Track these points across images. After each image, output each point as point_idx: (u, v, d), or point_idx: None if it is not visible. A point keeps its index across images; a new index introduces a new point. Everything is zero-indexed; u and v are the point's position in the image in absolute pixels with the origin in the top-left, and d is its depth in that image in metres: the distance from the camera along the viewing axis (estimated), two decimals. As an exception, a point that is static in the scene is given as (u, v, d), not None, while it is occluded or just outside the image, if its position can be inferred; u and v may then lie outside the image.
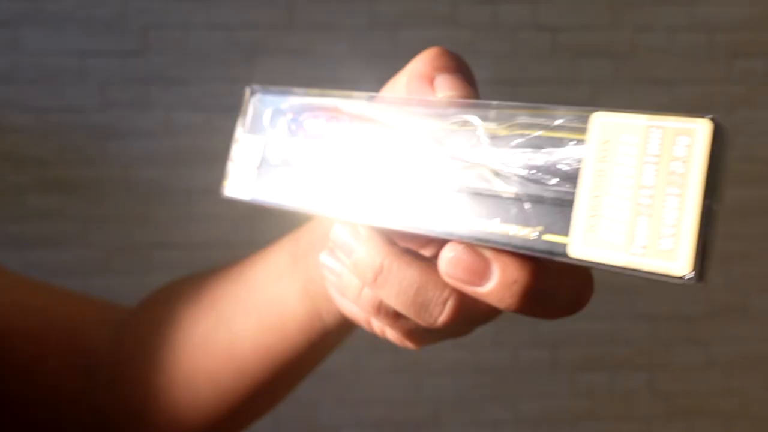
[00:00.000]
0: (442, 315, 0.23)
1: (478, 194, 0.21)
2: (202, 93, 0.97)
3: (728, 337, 1.02)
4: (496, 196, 0.20)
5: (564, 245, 0.19)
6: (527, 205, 0.20)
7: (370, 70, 0.90)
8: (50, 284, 0.34)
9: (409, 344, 0.26)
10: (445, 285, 0.22)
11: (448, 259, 0.20)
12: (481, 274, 0.21)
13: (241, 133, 0.26)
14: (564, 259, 0.19)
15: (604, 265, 0.18)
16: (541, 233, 0.19)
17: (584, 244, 0.19)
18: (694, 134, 0.17)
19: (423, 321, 0.22)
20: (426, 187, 0.22)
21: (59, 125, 0.94)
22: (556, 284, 0.21)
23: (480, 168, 0.20)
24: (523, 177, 0.20)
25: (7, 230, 0.90)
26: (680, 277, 0.18)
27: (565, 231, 0.19)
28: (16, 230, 0.90)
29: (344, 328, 0.31)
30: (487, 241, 0.20)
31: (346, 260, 0.23)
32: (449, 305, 0.22)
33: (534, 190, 0.19)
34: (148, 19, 0.97)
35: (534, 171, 0.20)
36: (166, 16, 0.98)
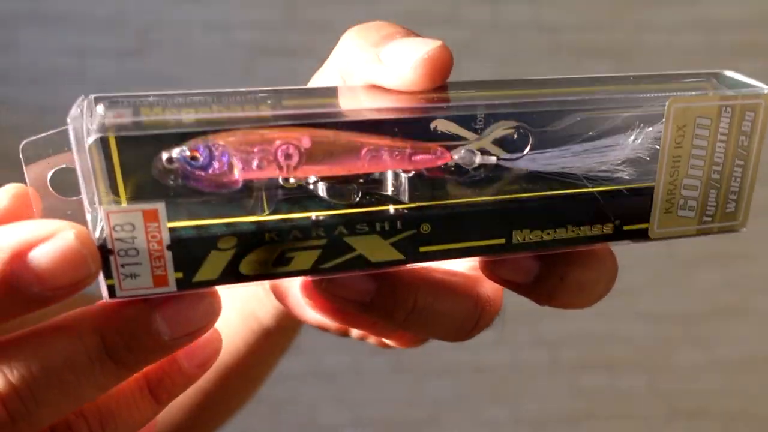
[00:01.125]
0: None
1: (550, 202, 0.20)
2: (202, 93, 0.97)
3: (728, 337, 1.02)
4: (566, 202, 0.20)
5: (644, 230, 0.20)
6: (601, 202, 0.20)
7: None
8: None
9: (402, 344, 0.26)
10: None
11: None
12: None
13: (107, 207, 0.17)
14: (644, 241, 0.20)
15: (676, 237, 0.20)
16: (620, 225, 0.20)
17: (661, 225, 0.20)
18: (758, 108, 0.19)
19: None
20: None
21: (59, 125, 0.94)
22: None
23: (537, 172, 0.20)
24: (592, 175, 0.20)
25: (7, 230, 0.90)
26: (737, 231, 0.20)
27: (643, 219, 0.20)
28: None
29: (288, 328, 0.31)
30: (570, 245, 0.20)
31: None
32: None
33: (606, 185, 0.20)
34: (147, 19, 0.97)
35: (605, 166, 0.20)
36: (166, 16, 0.98)
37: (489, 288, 0.23)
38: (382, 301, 0.21)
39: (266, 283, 0.26)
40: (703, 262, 1.00)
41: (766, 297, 1.03)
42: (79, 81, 0.94)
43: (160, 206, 0.18)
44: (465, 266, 0.25)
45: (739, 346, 1.03)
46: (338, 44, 0.22)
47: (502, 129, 0.20)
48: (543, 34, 0.99)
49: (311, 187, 0.19)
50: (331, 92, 0.21)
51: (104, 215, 0.17)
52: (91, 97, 0.19)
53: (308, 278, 0.21)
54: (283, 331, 0.31)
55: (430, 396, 1.02)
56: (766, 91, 0.20)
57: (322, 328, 0.27)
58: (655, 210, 0.20)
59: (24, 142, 0.20)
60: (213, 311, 0.19)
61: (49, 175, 0.20)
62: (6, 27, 0.95)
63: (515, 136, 0.20)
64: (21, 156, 0.20)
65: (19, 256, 0.17)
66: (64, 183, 0.19)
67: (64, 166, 0.19)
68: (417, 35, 0.21)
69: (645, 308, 1.01)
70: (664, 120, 0.19)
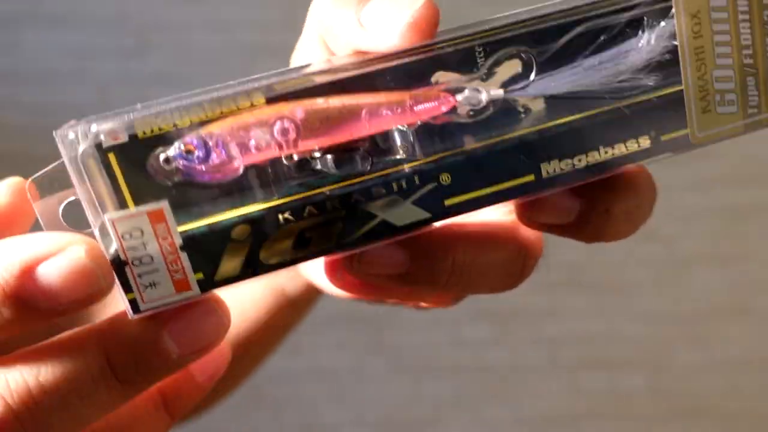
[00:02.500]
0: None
1: (573, 126, 0.19)
2: (202, 93, 0.97)
3: (728, 337, 1.02)
4: (591, 123, 0.19)
5: (685, 136, 0.18)
6: (630, 115, 0.18)
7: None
8: None
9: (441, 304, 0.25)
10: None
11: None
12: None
13: (110, 215, 0.17)
14: (688, 149, 0.18)
15: (725, 137, 0.18)
16: (657, 136, 0.18)
17: (703, 127, 0.18)
18: None
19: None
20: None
21: (59, 125, 0.94)
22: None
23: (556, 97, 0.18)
24: (612, 88, 0.18)
25: (7, 230, 0.89)
26: None
27: (681, 125, 0.18)
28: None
29: (311, 299, 0.30)
30: (607, 169, 0.19)
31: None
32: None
33: (630, 97, 0.18)
34: (147, 19, 0.97)
35: (623, 76, 0.18)
36: (166, 16, 0.98)
37: (528, 231, 0.22)
38: (419, 267, 0.21)
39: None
40: (703, 262, 1.00)
41: (766, 297, 1.03)
42: (79, 81, 0.94)
43: (164, 205, 0.17)
44: (499, 215, 0.23)
45: (739, 346, 1.03)
46: (312, 4, 0.21)
47: (504, 60, 0.19)
48: (543, 34, 0.99)
49: (318, 164, 0.18)
50: (319, 66, 0.20)
51: (110, 225, 0.17)
52: (82, 121, 0.18)
53: (334, 259, 0.21)
54: (305, 303, 0.31)
55: (430, 396, 1.02)
56: None
57: (358, 298, 0.27)
58: (690, 111, 0.18)
59: (29, 180, 0.19)
60: (222, 324, 0.19)
61: (60, 209, 0.19)
62: (7, 27, 0.94)
63: (519, 69, 0.19)
64: (28, 194, 0.19)
65: (28, 272, 0.17)
66: (77, 215, 0.19)
67: (73, 198, 0.19)
68: None
69: (645, 308, 1.01)
70: (674, 10, 0.18)
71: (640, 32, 0.18)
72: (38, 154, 0.93)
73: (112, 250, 0.18)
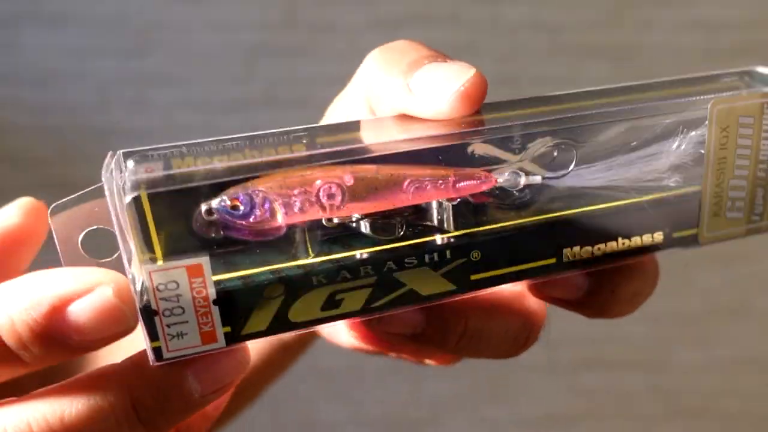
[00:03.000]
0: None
1: (597, 216, 0.20)
2: (202, 93, 0.97)
3: (728, 337, 1.02)
4: (614, 215, 0.20)
5: (694, 236, 0.20)
6: (649, 211, 0.20)
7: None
8: None
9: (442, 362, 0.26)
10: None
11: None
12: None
13: (148, 266, 0.17)
14: (694, 247, 0.19)
15: (727, 239, 0.19)
16: (669, 233, 0.19)
17: (710, 229, 0.19)
18: None
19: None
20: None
21: (59, 125, 0.94)
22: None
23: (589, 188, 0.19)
24: (639, 185, 0.19)
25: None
26: None
27: (692, 225, 0.19)
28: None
29: (305, 342, 0.31)
30: (622, 259, 0.20)
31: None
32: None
33: (653, 194, 0.19)
34: (147, 19, 0.97)
35: (651, 175, 0.19)
36: (166, 16, 0.98)
37: (534, 301, 0.23)
38: (433, 331, 0.21)
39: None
40: (703, 262, 1.00)
41: (766, 297, 1.03)
42: (79, 81, 0.94)
43: (204, 260, 0.17)
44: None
45: (739, 346, 1.03)
46: (362, 67, 0.22)
47: (541, 146, 0.19)
48: (543, 34, 0.99)
49: (353, 225, 0.19)
50: (364, 125, 0.21)
51: (146, 276, 0.17)
52: (120, 153, 0.18)
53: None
54: (301, 346, 0.31)
55: (430, 395, 1.02)
56: None
57: (358, 350, 0.27)
58: (703, 214, 0.20)
59: (53, 206, 0.19)
60: (244, 363, 0.19)
61: (80, 237, 0.19)
62: (7, 27, 0.95)
63: (555, 153, 0.19)
64: (50, 219, 0.19)
65: (58, 311, 0.17)
66: (95, 245, 0.19)
67: (95, 227, 0.19)
68: (444, 58, 0.20)
69: (645, 308, 1.01)
70: (707, 122, 0.19)
71: (673, 136, 0.19)
72: (38, 154, 0.93)
73: (143, 298, 0.17)
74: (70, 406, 0.17)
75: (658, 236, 0.20)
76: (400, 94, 0.20)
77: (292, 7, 0.98)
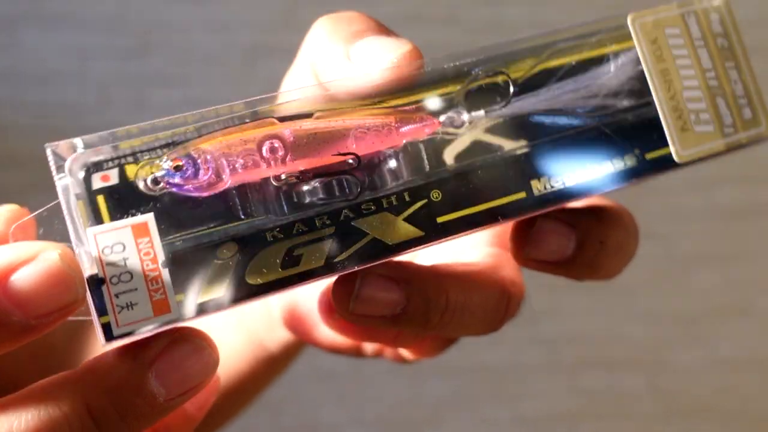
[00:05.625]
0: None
1: (558, 145, 0.19)
2: (202, 93, 0.97)
3: (728, 337, 1.02)
4: (575, 142, 0.19)
5: (669, 155, 0.19)
6: (612, 135, 0.19)
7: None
8: None
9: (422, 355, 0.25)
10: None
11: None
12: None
13: (83, 233, 0.16)
14: (675, 169, 0.19)
15: (708, 157, 0.19)
16: (641, 154, 0.19)
17: (684, 146, 0.19)
18: (720, 9, 0.18)
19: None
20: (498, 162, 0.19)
21: (59, 125, 0.94)
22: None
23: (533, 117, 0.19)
24: (590, 111, 0.19)
25: (7, 230, 0.89)
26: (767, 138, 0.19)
27: (662, 142, 0.19)
28: (16, 230, 0.90)
29: (291, 353, 0.30)
30: (598, 187, 0.19)
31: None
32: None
33: (609, 118, 0.19)
34: (147, 19, 0.97)
35: (597, 99, 0.19)
36: (166, 16, 0.98)
37: (511, 272, 0.23)
38: (414, 308, 0.20)
39: (277, 311, 0.26)
40: (703, 262, 1.00)
41: (766, 297, 1.03)
42: (79, 81, 0.94)
43: (149, 218, 0.16)
44: (481, 255, 0.24)
45: (739, 346, 1.03)
46: (309, 34, 0.22)
47: (481, 79, 0.19)
48: (543, 34, 0.99)
49: (306, 191, 0.18)
50: (313, 91, 0.21)
51: (92, 238, 0.16)
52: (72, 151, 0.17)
53: (330, 300, 0.21)
54: (287, 357, 0.31)
55: (430, 396, 1.02)
56: None
57: (336, 351, 0.27)
58: (669, 128, 0.19)
59: (12, 229, 0.19)
60: (212, 362, 0.18)
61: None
62: (6, 27, 0.95)
63: (493, 89, 0.19)
64: (10, 239, 0.18)
65: (0, 282, 0.16)
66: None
67: (56, 241, 0.18)
68: (388, 33, 0.21)
69: (644, 308, 1.01)
70: (634, 37, 0.19)
71: (606, 60, 0.19)
72: (39, 154, 0.93)
73: (88, 268, 0.17)
74: (18, 418, 0.16)
75: (630, 160, 0.19)
76: (340, 62, 0.20)
77: (292, 7, 0.98)
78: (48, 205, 0.18)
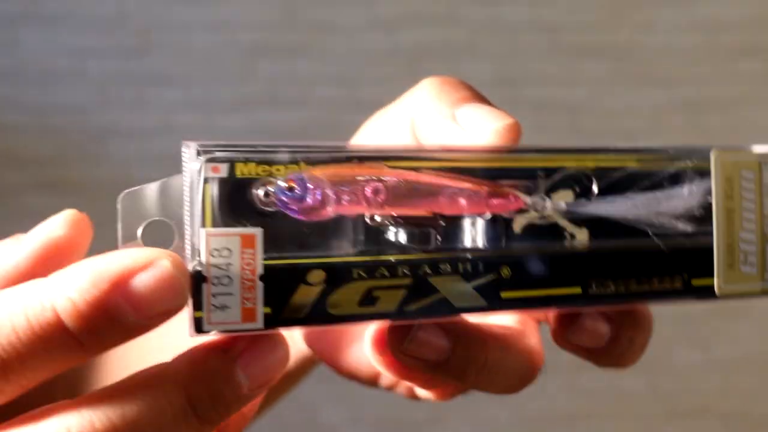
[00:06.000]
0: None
1: (619, 251, 0.21)
2: (202, 93, 0.97)
3: (728, 337, 1.02)
4: (635, 252, 0.21)
5: (710, 287, 0.21)
6: (669, 255, 0.21)
7: (371, 69, 0.90)
8: None
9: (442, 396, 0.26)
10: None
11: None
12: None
13: (207, 229, 0.18)
14: (712, 300, 0.21)
15: (744, 296, 0.20)
16: (688, 280, 0.21)
17: (726, 281, 0.20)
18: None
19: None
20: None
21: (59, 125, 0.94)
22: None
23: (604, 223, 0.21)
24: (656, 225, 0.21)
25: (7, 230, 0.90)
26: None
27: (708, 273, 0.20)
28: (15, 230, 0.90)
29: (306, 369, 0.32)
30: (643, 300, 0.21)
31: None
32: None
33: (670, 238, 0.21)
34: (148, 19, 0.97)
35: (665, 218, 0.21)
36: (166, 16, 0.98)
37: (535, 341, 0.24)
38: (456, 360, 0.22)
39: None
40: (703, 262, 1.00)
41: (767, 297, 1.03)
42: (79, 81, 0.94)
43: (258, 232, 0.18)
44: (511, 320, 0.25)
45: (739, 346, 1.03)
46: (414, 90, 0.24)
47: (561, 187, 0.20)
48: (542, 34, 0.99)
49: (392, 230, 0.20)
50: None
51: (204, 238, 0.18)
52: (193, 146, 0.19)
53: (383, 335, 0.22)
54: (301, 372, 0.32)
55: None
56: None
57: (352, 378, 0.28)
58: (718, 263, 0.21)
59: (123, 193, 0.20)
60: (286, 359, 0.19)
61: (141, 229, 0.20)
62: (6, 27, 0.95)
63: (572, 198, 0.21)
64: (118, 207, 0.20)
65: (118, 285, 0.17)
66: (155, 237, 0.20)
67: (157, 218, 0.19)
68: (491, 103, 0.22)
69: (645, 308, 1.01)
70: (712, 171, 0.20)
71: (682, 183, 0.21)
72: (38, 154, 0.93)
73: (194, 265, 0.18)
74: (130, 405, 0.18)
75: (678, 282, 0.21)
76: (445, 122, 0.22)
77: (292, 7, 0.99)
78: (163, 179, 0.20)
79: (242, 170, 0.19)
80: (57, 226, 0.21)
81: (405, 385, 0.29)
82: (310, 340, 0.27)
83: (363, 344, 0.24)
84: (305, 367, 0.31)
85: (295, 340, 0.29)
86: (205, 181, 0.18)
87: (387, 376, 0.28)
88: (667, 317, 1.05)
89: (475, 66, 0.96)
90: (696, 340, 1.02)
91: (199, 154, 0.19)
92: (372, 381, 0.29)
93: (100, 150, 0.91)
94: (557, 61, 0.99)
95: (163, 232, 0.19)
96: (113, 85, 0.94)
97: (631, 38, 1.01)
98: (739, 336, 1.01)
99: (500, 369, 0.23)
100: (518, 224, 0.21)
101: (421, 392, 0.28)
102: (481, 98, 0.23)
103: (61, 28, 0.96)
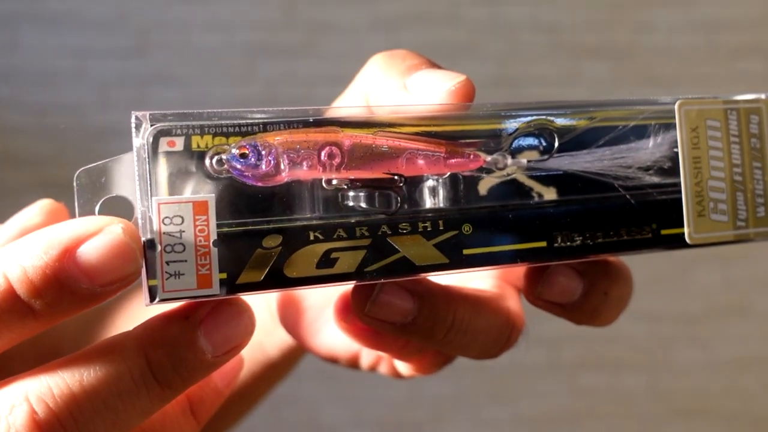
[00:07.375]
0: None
1: (585, 204, 0.21)
2: (202, 93, 0.97)
3: (728, 337, 1.02)
4: (601, 205, 0.21)
5: (680, 235, 0.21)
6: (636, 207, 0.21)
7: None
8: None
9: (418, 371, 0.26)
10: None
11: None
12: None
13: (158, 198, 0.18)
14: (684, 248, 0.20)
15: (716, 243, 0.20)
16: (657, 230, 0.20)
17: (697, 230, 0.20)
18: (761, 112, 0.20)
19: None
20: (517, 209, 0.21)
21: (59, 125, 0.94)
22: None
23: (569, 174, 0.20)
24: (622, 176, 0.21)
25: (7, 230, 0.90)
26: None
27: (678, 223, 0.20)
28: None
29: (290, 359, 0.31)
30: (612, 252, 0.21)
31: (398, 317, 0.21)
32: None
33: (636, 190, 0.20)
34: (147, 19, 0.97)
35: (630, 169, 0.21)
36: (166, 16, 0.98)
37: (513, 303, 0.24)
38: (423, 320, 0.22)
39: (276, 314, 0.26)
40: (703, 262, 1.00)
41: (766, 297, 1.03)
42: (79, 81, 0.94)
43: (211, 199, 0.18)
44: (488, 285, 0.25)
45: (739, 346, 1.03)
46: (364, 68, 0.23)
47: (523, 130, 0.20)
48: (542, 34, 0.99)
49: (350, 194, 0.20)
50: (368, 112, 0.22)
51: (155, 206, 0.17)
52: (147, 116, 0.19)
53: (346, 302, 0.22)
54: (286, 363, 0.32)
55: (430, 396, 1.02)
56: (764, 96, 0.21)
57: (332, 360, 0.28)
58: (687, 212, 0.20)
59: (79, 171, 0.20)
60: (251, 326, 0.19)
61: (98, 205, 0.20)
62: (6, 27, 0.95)
63: (541, 141, 0.21)
64: (75, 184, 0.20)
65: (69, 252, 0.17)
66: (113, 214, 0.19)
67: (114, 195, 0.19)
68: (441, 67, 0.22)
69: (644, 308, 1.01)
70: (677, 121, 0.20)
71: (646, 136, 0.21)
72: (38, 154, 0.93)
73: (147, 234, 0.18)
74: (88, 370, 0.18)
75: (646, 232, 0.21)
76: (397, 92, 0.22)
77: (292, 7, 0.99)
78: (114, 157, 0.20)
79: (198, 143, 0.18)
80: (33, 214, 0.21)
81: (386, 363, 0.29)
82: (286, 323, 0.27)
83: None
84: (290, 358, 0.31)
85: (274, 328, 0.29)
86: (158, 153, 0.18)
87: (366, 357, 0.28)
88: (667, 317, 1.06)
89: (476, 66, 0.96)
90: (696, 340, 1.02)
91: (152, 124, 0.19)
92: (352, 362, 0.28)
93: (100, 150, 0.91)
94: (557, 61, 0.99)
95: (121, 209, 0.19)
96: (113, 85, 0.94)
97: (631, 38, 1.01)
98: (739, 336, 1.01)
99: (471, 329, 0.23)
100: (484, 186, 0.20)
101: (403, 368, 0.28)
102: (431, 63, 0.22)
103: (61, 28, 0.96)
